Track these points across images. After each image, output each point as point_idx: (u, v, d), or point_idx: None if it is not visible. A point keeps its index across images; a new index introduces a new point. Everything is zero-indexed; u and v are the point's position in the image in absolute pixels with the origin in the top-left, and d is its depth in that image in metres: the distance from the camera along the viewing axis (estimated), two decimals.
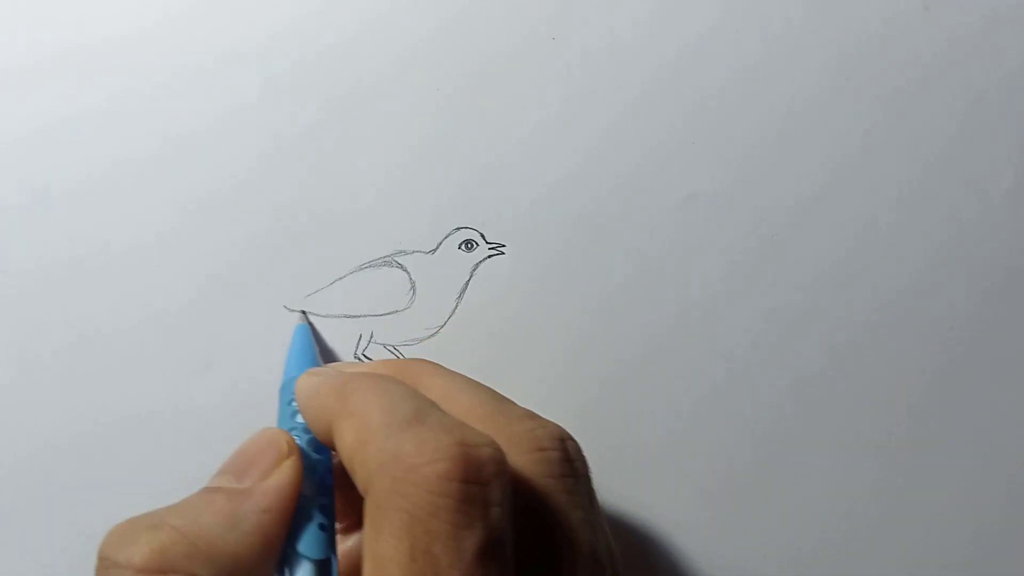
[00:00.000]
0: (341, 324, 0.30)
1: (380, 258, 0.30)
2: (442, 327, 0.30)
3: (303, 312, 0.30)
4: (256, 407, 0.29)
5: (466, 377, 0.25)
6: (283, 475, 0.23)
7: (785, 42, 0.31)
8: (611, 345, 0.30)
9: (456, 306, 0.30)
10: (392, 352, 0.30)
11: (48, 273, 0.30)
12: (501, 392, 0.30)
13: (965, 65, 0.31)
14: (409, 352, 0.30)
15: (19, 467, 0.29)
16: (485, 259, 0.30)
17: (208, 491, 0.23)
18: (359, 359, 0.30)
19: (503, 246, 0.30)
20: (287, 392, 0.27)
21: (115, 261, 0.30)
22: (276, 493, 0.22)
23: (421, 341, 0.30)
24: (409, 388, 0.22)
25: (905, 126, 0.31)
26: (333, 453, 0.24)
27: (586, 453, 0.30)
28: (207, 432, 0.29)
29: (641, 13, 0.31)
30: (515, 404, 0.24)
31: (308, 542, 0.22)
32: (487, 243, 0.30)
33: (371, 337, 0.30)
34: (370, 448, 0.20)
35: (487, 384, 0.30)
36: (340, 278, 0.30)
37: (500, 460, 0.19)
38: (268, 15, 0.30)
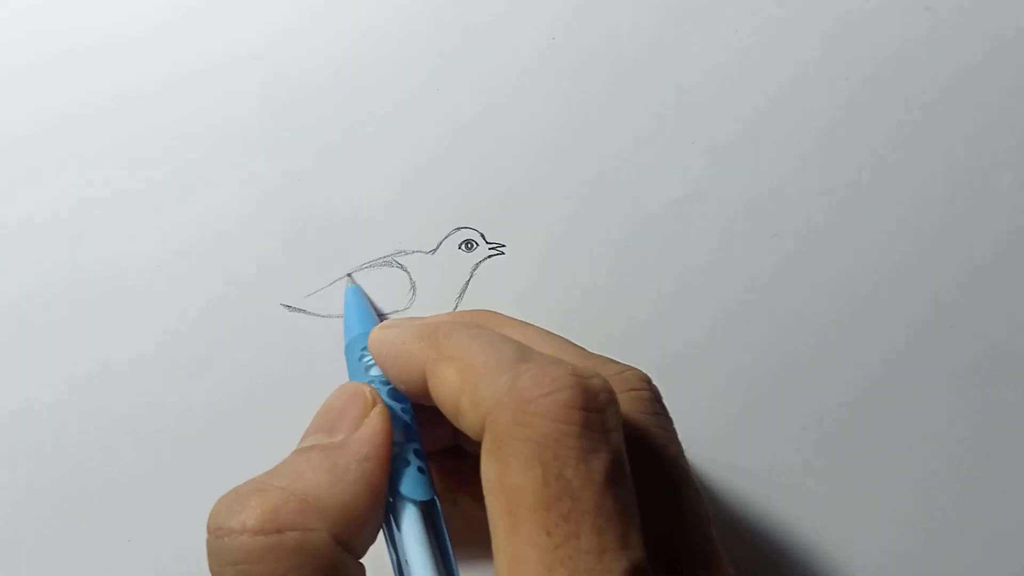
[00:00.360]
0: (341, 324, 0.30)
1: (380, 258, 0.30)
2: None
3: (350, 275, 0.30)
4: (256, 407, 0.30)
5: (540, 327, 0.26)
6: (374, 423, 0.23)
7: (785, 42, 0.31)
8: (611, 345, 0.30)
9: (456, 306, 0.30)
10: None
11: (48, 271, 0.30)
12: None
13: (965, 65, 0.31)
14: None
15: (20, 471, 0.29)
16: (485, 259, 0.30)
17: (303, 451, 0.23)
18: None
19: (503, 246, 0.30)
20: (355, 349, 0.27)
21: (115, 260, 0.30)
22: (371, 440, 0.22)
23: None
24: (499, 333, 0.22)
25: (905, 126, 0.31)
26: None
27: None
28: (207, 432, 0.29)
29: (641, 13, 0.31)
30: (591, 352, 0.25)
31: (410, 486, 0.22)
32: (487, 243, 0.30)
33: None
34: (482, 387, 0.20)
35: None
36: (340, 278, 0.30)
37: (611, 388, 0.20)
38: (269, 19, 0.30)
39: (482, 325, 0.24)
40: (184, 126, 0.30)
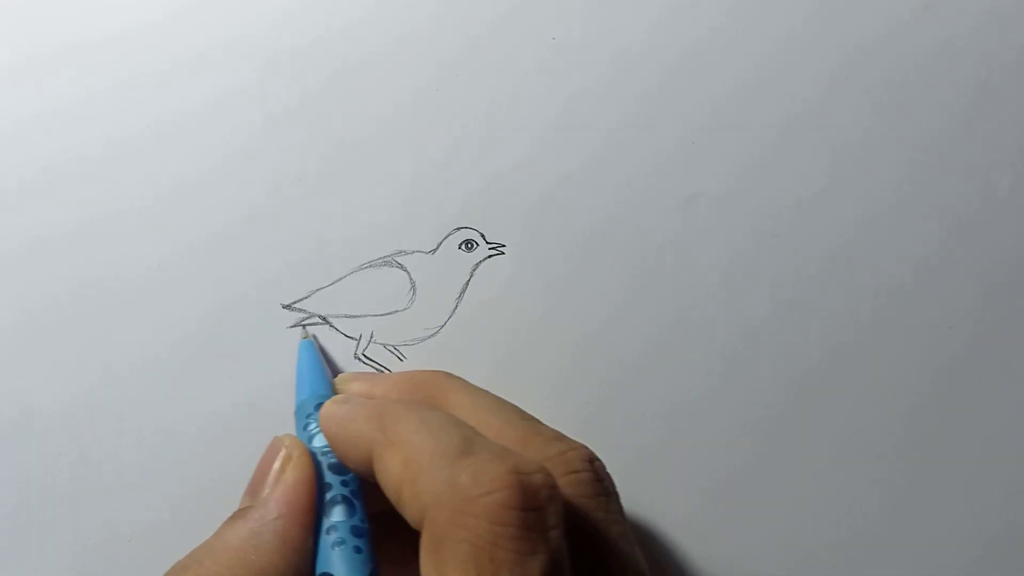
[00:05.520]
0: (341, 324, 0.30)
1: (380, 258, 0.30)
2: (442, 327, 0.30)
3: (303, 326, 0.30)
4: (256, 407, 0.29)
5: (489, 393, 0.25)
6: (287, 478, 0.23)
7: (785, 42, 0.31)
8: (612, 345, 0.30)
9: (456, 306, 0.30)
10: (392, 352, 0.30)
11: (50, 275, 0.30)
12: (503, 393, 0.30)
13: (966, 65, 0.31)
14: (409, 352, 0.30)
15: (22, 473, 0.29)
16: (485, 259, 0.30)
17: (234, 518, 0.23)
18: (360, 359, 0.30)
19: (503, 246, 0.30)
20: (301, 416, 0.27)
21: (116, 261, 0.30)
22: (284, 496, 0.23)
23: (421, 341, 0.30)
24: (448, 415, 0.23)
25: (905, 126, 0.31)
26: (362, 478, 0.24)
27: None
28: (207, 433, 0.29)
29: (642, 13, 0.31)
30: (541, 423, 0.24)
31: (341, 566, 0.22)
32: (487, 243, 0.30)
33: (371, 337, 0.30)
34: (423, 480, 0.20)
35: (488, 384, 0.30)
36: (340, 278, 0.30)
37: (553, 484, 0.20)
38: (269, 15, 0.30)
39: (434, 401, 0.24)
40: (184, 127, 0.30)
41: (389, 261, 0.30)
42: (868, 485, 0.30)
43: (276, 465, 0.24)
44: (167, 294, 0.30)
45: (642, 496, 0.30)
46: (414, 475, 0.20)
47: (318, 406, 0.26)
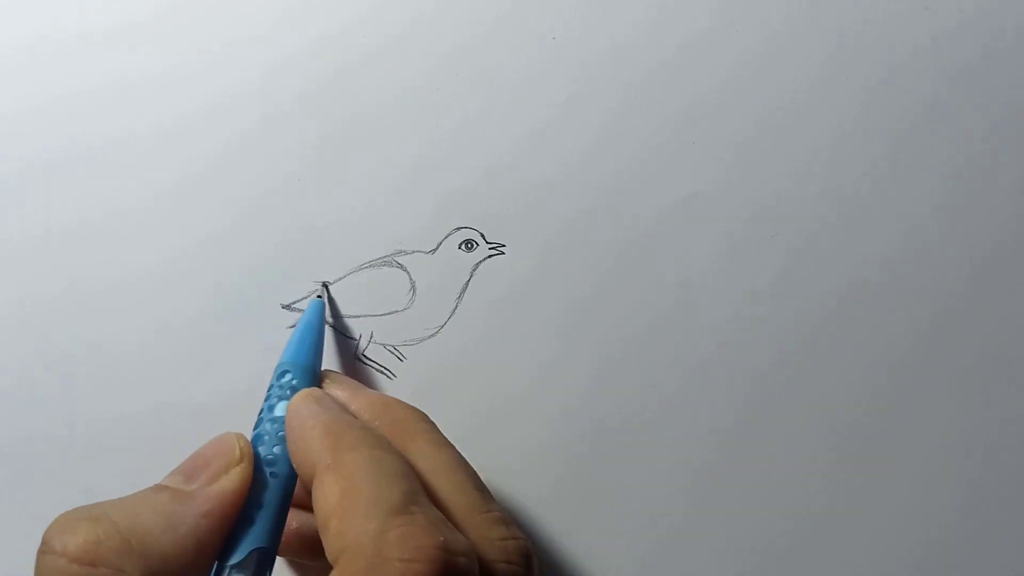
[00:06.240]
0: (341, 324, 0.30)
1: (380, 258, 0.30)
2: (442, 327, 0.30)
3: (325, 284, 0.30)
4: (255, 407, 0.29)
5: (454, 451, 0.25)
6: (228, 482, 0.23)
7: (785, 42, 0.31)
8: (611, 345, 0.30)
9: (456, 306, 0.30)
10: (392, 352, 0.30)
11: (48, 273, 0.30)
12: (504, 392, 0.30)
13: (966, 65, 0.31)
14: (409, 352, 0.30)
15: (16, 466, 0.29)
16: (485, 259, 0.30)
17: (156, 488, 0.23)
18: (360, 359, 0.30)
19: (503, 246, 0.30)
20: (279, 372, 0.26)
21: (115, 261, 0.30)
22: (217, 499, 0.22)
23: (421, 341, 0.30)
24: (400, 460, 0.22)
25: (905, 126, 0.31)
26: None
27: (582, 450, 0.30)
28: (207, 433, 0.29)
29: (641, 13, 0.31)
30: (492, 500, 0.24)
31: (244, 561, 0.22)
32: (487, 243, 0.30)
33: (371, 337, 0.30)
34: (351, 521, 0.20)
35: (488, 384, 0.30)
36: (340, 278, 0.30)
37: (474, 572, 0.20)
38: (269, 14, 0.30)
39: (399, 440, 0.23)
40: (184, 126, 0.30)
41: (389, 261, 0.30)
42: (869, 485, 0.30)
43: (221, 462, 0.23)
44: (166, 294, 0.30)
45: (637, 493, 0.30)
46: (345, 512, 0.20)
47: (293, 378, 0.26)
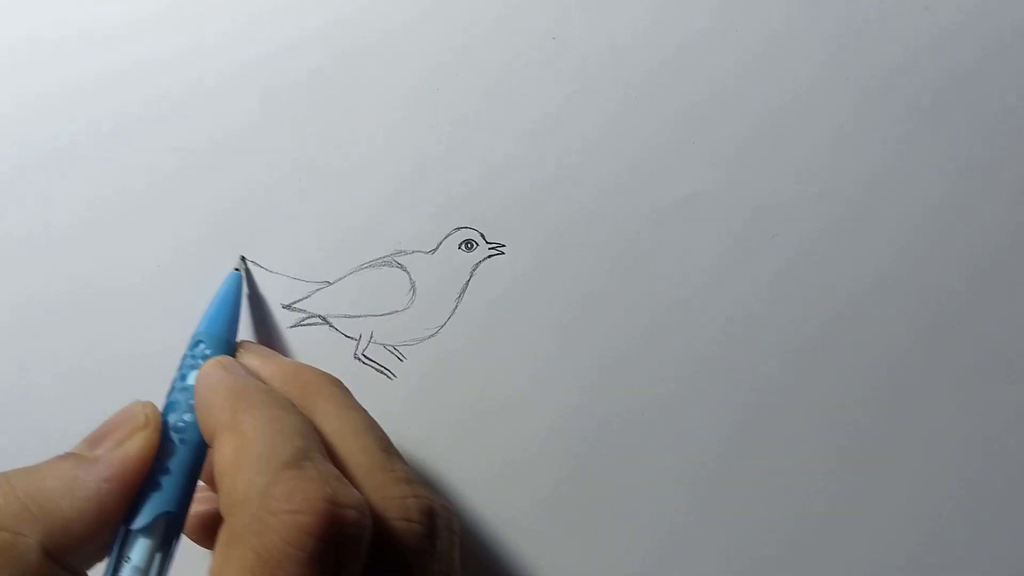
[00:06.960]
0: (341, 324, 0.30)
1: (380, 258, 0.30)
2: (442, 327, 0.30)
3: (243, 258, 0.30)
4: None
5: (363, 415, 0.24)
6: (130, 446, 0.23)
7: (785, 42, 0.31)
8: (610, 345, 0.30)
9: (456, 306, 0.30)
10: (392, 352, 0.30)
11: (49, 273, 0.30)
12: (505, 393, 0.30)
13: (965, 65, 0.31)
14: (409, 352, 0.30)
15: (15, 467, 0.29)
16: (485, 259, 0.30)
17: (62, 456, 0.23)
18: (360, 359, 0.30)
19: (503, 246, 0.30)
20: (194, 343, 0.26)
21: (113, 261, 0.30)
22: (119, 463, 0.22)
23: (421, 341, 0.30)
24: (300, 420, 0.22)
25: (905, 126, 0.31)
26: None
27: (582, 451, 0.30)
28: None
29: (641, 13, 0.31)
30: (400, 460, 0.23)
31: (147, 523, 0.22)
32: (487, 243, 0.30)
33: (371, 337, 0.30)
34: (242, 476, 0.20)
35: (487, 383, 0.30)
36: (340, 278, 0.30)
37: (364, 525, 0.19)
38: (271, 16, 0.30)
39: (305, 402, 0.23)
40: (183, 125, 0.30)
41: (389, 261, 0.30)
42: (869, 484, 0.30)
43: (125, 428, 0.23)
44: (165, 294, 0.30)
45: (634, 491, 0.30)
46: (237, 468, 0.20)
47: (207, 348, 0.26)
